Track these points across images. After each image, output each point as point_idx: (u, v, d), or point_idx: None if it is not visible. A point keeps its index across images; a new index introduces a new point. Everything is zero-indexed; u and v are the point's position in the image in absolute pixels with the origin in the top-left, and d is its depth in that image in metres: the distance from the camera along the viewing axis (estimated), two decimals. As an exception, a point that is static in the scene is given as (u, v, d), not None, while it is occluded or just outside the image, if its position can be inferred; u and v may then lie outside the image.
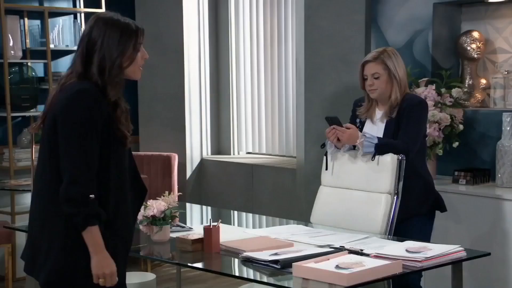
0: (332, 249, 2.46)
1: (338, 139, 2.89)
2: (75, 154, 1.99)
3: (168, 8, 5.17)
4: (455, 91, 3.84)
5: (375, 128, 3.01)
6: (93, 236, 2.00)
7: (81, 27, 5.22)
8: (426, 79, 3.96)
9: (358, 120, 3.08)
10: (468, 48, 3.92)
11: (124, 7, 5.41)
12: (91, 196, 1.98)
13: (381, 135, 2.95)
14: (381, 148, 2.88)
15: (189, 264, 2.50)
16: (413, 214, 2.93)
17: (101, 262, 2.01)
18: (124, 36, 2.08)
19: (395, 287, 2.74)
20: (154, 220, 2.63)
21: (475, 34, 3.91)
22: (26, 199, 4.68)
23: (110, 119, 2.06)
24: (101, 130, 2.03)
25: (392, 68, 2.96)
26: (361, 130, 3.02)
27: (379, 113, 3.02)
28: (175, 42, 5.11)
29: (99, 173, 2.03)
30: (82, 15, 5.26)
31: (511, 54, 3.89)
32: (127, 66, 2.09)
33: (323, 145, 3.06)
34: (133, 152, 5.30)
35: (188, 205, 3.58)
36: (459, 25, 4.08)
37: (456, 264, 2.41)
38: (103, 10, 5.14)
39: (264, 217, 3.39)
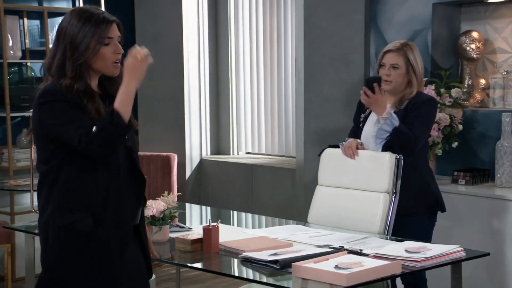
0: (332, 249, 2.45)
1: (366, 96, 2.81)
2: (64, 128, 1.95)
3: (167, 9, 5.16)
4: (454, 91, 3.84)
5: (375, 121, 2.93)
6: (124, 104, 1.93)
7: (80, 27, 5.22)
8: (425, 79, 3.94)
9: (363, 116, 3.02)
10: (468, 48, 3.91)
11: (123, 7, 5.41)
12: (93, 129, 1.91)
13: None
14: (397, 133, 2.80)
15: (188, 264, 2.49)
16: (413, 212, 2.90)
17: (136, 76, 1.96)
18: (86, 25, 2.00)
19: (405, 285, 2.74)
20: (153, 220, 2.62)
21: (475, 34, 3.91)
22: (25, 199, 4.68)
23: (82, 108, 2.00)
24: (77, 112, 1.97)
25: (413, 62, 2.90)
26: (363, 125, 2.98)
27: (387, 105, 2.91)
28: (175, 42, 5.10)
29: (84, 169, 1.99)
30: (82, 15, 5.26)
31: (510, 54, 3.89)
32: (90, 58, 2.01)
33: (335, 146, 3.02)
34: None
35: (187, 205, 3.58)
36: (458, 25, 4.07)
37: (456, 264, 2.41)
38: (102, 9, 5.14)
39: (263, 217, 3.38)
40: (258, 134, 5.22)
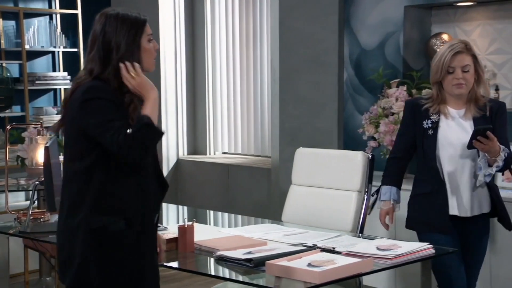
0: (305, 248, 2.47)
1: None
2: (103, 128, 1.93)
3: (144, 9, 5.13)
4: (425, 92, 3.88)
5: (460, 124, 2.66)
6: (152, 113, 1.97)
7: (56, 28, 5.17)
8: (397, 80, 4.00)
9: (428, 121, 2.67)
10: (438, 50, 3.96)
11: (100, 7, 5.37)
12: (128, 131, 1.91)
13: (469, 134, 2.59)
14: (507, 161, 2.60)
15: (163, 264, 2.49)
16: (477, 213, 2.69)
17: (153, 92, 2.01)
18: (134, 29, 2.04)
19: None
20: (129, 220, 2.61)
21: (445, 36, 3.96)
22: (0, 200, 4.62)
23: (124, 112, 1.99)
24: (120, 112, 1.96)
25: (479, 60, 2.66)
26: (435, 132, 2.66)
27: (455, 111, 2.68)
28: (151, 43, 5.09)
29: (120, 172, 1.99)
30: (58, 16, 5.21)
31: (479, 56, 3.94)
32: (144, 58, 2.04)
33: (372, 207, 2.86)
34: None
35: (164, 204, 3.56)
36: (429, 28, 4.13)
37: (425, 261, 2.44)
38: (79, 11, 5.10)
39: (239, 217, 3.39)
40: (235, 134, 5.23)
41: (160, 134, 1.99)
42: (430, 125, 2.66)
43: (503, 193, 2.83)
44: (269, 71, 4.77)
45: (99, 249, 1.98)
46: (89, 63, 2.04)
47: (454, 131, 2.65)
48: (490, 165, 2.59)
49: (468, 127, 2.64)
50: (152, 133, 1.97)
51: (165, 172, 5.15)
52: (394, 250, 2.37)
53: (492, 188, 2.70)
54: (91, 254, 1.98)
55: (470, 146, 2.54)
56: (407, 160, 2.80)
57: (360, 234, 2.82)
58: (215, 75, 5.28)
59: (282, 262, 2.19)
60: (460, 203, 2.66)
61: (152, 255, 2.11)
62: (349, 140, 4.31)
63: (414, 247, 2.41)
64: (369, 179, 2.92)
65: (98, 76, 2.01)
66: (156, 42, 2.12)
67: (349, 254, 2.34)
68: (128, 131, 1.92)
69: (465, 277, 2.70)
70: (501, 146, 2.56)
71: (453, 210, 2.67)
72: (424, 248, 2.42)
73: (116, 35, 2.02)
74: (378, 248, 2.39)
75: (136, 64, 2.01)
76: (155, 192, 2.10)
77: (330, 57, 4.34)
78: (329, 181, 2.99)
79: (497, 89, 3.88)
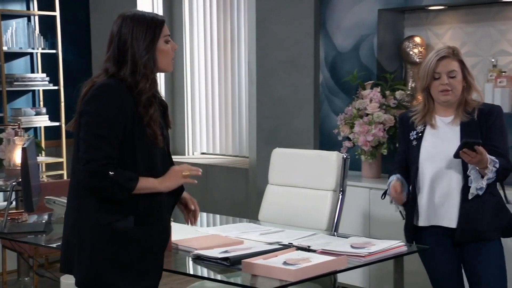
0: (281, 246, 2.50)
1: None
2: (89, 142, 1.94)
3: (122, 10, 5.12)
4: (398, 94, 3.95)
5: (445, 134, 2.53)
6: (143, 189, 1.98)
7: (34, 29, 5.14)
8: (371, 82, 4.06)
9: (414, 133, 2.58)
10: (411, 52, 4.03)
11: (78, 9, 5.35)
12: (110, 173, 1.92)
13: (457, 140, 2.47)
14: (500, 173, 2.44)
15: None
16: (482, 239, 2.52)
17: (170, 184, 2.04)
18: (151, 30, 2.03)
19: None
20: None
21: (417, 39, 4.03)
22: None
23: (136, 117, 1.98)
24: (123, 126, 1.96)
25: (467, 66, 2.52)
26: (418, 143, 2.55)
27: (442, 119, 2.55)
28: (130, 44, 5.07)
29: (126, 169, 1.98)
30: (36, 17, 5.17)
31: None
32: (160, 59, 2.04)
33: (384, 195, 2.70)
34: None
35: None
36: (402, 31, 4.19)
37: (398, 259, 2.48)
38: (57, 13, 5.07)
39: (218, 216, 3.41)
40: (213, 135, 5.24)
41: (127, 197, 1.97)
42: (415, 136, 2.57)
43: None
44: (246, 73, 4.79)
45: (107, 245, 1.98)
46: (105, 63, 2.04)
47: (437, 142, 2.53)
48: (482, 176, 2.45)
49: (453, 136, 2.50)
50: (121, 194, 1.96)
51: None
52: (368, 248, 2.41)
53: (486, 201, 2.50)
54: (100, 250, 1.98)
55: (456, 155, 2.42)
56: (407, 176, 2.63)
57: (335, 233, 2.86)
58: (193, 77, 5.29)
59: (258, 260, 2.21)
60: (444, 214, 2.53)
61: (160, 254, 2.10)
62: (325, 140, 4.36)
63: (387, 245, 2.45)
64: (343, 178, 2.95)
65: (114, 75, 2.01)
66: (174, 43, 2.11)
67: (324, 252, 2.37)
68: (110, 173, 1.92)
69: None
70: (490, 157, 2.41)
71: (428, 221, 2.57)
72: (397, 246, 2.46)
73: (131, 36, 2.01)
74: (352, 246, 2.43)
75: (191, 171, 2.08)
76: (168, 194, 2.10)
77: (306, 59, 4.39)
78: (304, 180, 3.02)
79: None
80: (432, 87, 2.51)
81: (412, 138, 2.58)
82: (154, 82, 2.05)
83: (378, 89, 3.94)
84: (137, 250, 2.02)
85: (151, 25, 2.04)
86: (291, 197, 3.04)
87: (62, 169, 5.14)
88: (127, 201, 1.99)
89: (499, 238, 2.56)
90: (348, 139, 3.99)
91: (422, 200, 2.58)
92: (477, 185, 2.46)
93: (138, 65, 2.00)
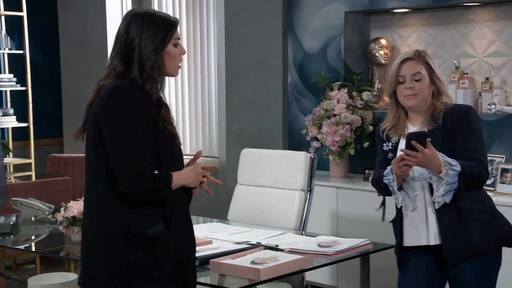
0: (249, 246, 2.49)
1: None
2: (125, 145, 1.83)
3: (91, 12, 5.06)
4: (365, 95, 3.97)
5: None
6: (174, 185, 1.90)
7: (1, 30, 5.03)
8: (339, 82, 4.08)
9: (389, 144, 2.37)
10: (377, 54, 4.06)
11: (46, 9, 5.26)
12: (155, 172, 1.84)
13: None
14: (466, 178, 2.20)
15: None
16: (477, 253, 2.26)
17: (189, 178, 1.96)
18: (161, 30, 1.92)
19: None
20: (74, 221, 2.58)
21: (383, 41, 4.06)
22: None
23: (153, 118, 1.89)
24: (146, 126, 1.86)
25: (434, 69, 2.31)
26: (394, 155, 2.33)
27: (412, 128, 2.34)
28: (100, 45, 5.01)
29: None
30: (3, 18, 5.07)
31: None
32: (166, 62, 1.94)
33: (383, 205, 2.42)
34: (58, 154, 5.16)
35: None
36: (368, 33, 4.22)
37: (364, 257, 2.50)
38: (24, 13, 4.97)
39: (186, 216, 3.38)
40: (183, 135, 5.20)
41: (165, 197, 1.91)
42: (390, 148, 2.37)
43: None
44: (216, 74, 4.77)
45: (144, 254, 1.87)
46: (112, 62, 1.94)
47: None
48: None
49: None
50: (163, 192, 1.89)
51: (113, 174, 5.09)
52: (335, 246, 2.41)
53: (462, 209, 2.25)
54: (138, 261, 1.86)
55: (404, 151, 2.20)
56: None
57: (303, 232, 2.86)
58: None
59: (226, 260, 2.20)
60: (426, 232, 2.30)
61: (193, 256, 2.02)
62: (294, 140, 4.36)
63: (353, 243, 2.46)
64: (311, 178, 2.95)
65: (122, 74, 1.91)
66: (183, 47, 2.00)
67: (291, 251, 2.37)
68: (155, 172, 1.85)
69: None
70: (446, 160, 2.18)
71: (412, 240, 2.33)
72: (363, 244, 2.48)
73: (140, 35, 1.91)
74: (319, 245, 2.43)
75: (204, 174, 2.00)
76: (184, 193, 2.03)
77: (275, 61, 4.39)
78: (273, 180, 3.02)
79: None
80: (398, 92, 2.32)
81: (386, 150, 2.37)
82: (161, 84, 1.97)
83: (345, 90, 3.96)
84: (172, 254, 1.92)
85: (161, 26, 1.93)
86: (260, 197, 3.03)
87: (30, 170, 5.04)
88: (156, 204, 1.90)
89: (498, 249, 2.28)
90: (316, 139, 4.00)
91: (405, 217, 2.34)
92: (438, 192, 2.21)
93: (144, 66, 1.91)
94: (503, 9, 3.68)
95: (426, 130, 2.27)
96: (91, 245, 1.92)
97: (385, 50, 4.04)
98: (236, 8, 4.37)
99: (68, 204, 2.63)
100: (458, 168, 2.20)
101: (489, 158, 3.45)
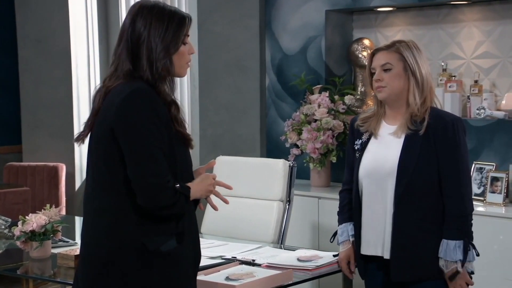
0: (224, 260, 2.47)
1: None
2: (143, 163, 1.79)
3: (52, 9, 5.00)
4: (347, 98, 3.98)
5: (387, 146, 2.27)
6: (191, 199, 1.89)
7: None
8: (320, 86, 4.09)
9: (358, 142, 2.34)
10: (360, 55, 4.08)
11: (1, 6, 5.18)
12: (177, 185, 1.83)
13: (397, 154, 2.23)
14: (466, 241, 2.20)
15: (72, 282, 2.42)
16: (428, 277, 2.23)
17: (202, 192, 1.95)
18: (172, 25, 1.86)
19: None
20: (33, 236, 2.53)
21: (366, 42, 4.08)
22: None
23: (170, 123, 1.86)
24: (164, 133, 1.83)
25: (410, 61, 2.24)
26: (360, 154, 2.32)
27: (388, 127, 2.30)
28: (61, 45, 4.95)
29: None
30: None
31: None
32: (175, 62, 1.88)
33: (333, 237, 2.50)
34: (15, 163, 5.08)
35: (77, 218, 3.47)
36: (350, 33, 4.24)
37: (347, 271, 2.49)
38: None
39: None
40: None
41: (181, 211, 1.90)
42: (359, 147, 2.34)
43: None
44: (188, 77, 4.76)
45: (159, 274, 1.84)
46: (116, 60, 1.89)
47: (379, 155, 2.27)
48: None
49: (394, 149, 2.24)
50: (183, 207, 1.88)
51: (78, 183, 5.02)
52: (315, 261, 2.42)
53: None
54: (154, 284, 1.84)
55: None
56: None
57: (282, 245, 2.85)
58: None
59: (199, 276, 2.17)
60: (373, 241, 2.29)
61: (196, 270, 2.01)
62: (272, 147, 4.36)
63: (334, 257, 2.46)
64: (290, 187, 2.95)
65: (131, 73, 1.86)
66: (192, 46, 1.95)
67: (269, 266, 2.37)
68: (177, 185, 1.84)
69: None
70: (447, 259, 2.18)
71: (366, 250, 2.31)
72: (345, 257, 2.47)
73: (148, 30, 1.85)
74: (299, 259, 2.43)
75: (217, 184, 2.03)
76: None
77: (251, 62, 4.38)
78: (249, 190, 3.01)
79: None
80: (373, 86, 2.31)
81: (356, 148, 2.35)
82: (172, 83, 1.93)
83: (327, 93, 3.97)
84: (184, 270, 1.91)
85: (172, 22, 1.87)
86: (235, 207, 3.01)
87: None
88: (172, 219, 1.88)
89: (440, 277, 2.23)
90: (296, 146, 4.00)
91: (362, 224, 2.33)
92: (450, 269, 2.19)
93: (153, 65, 1.86)
94: (492, 8, 3.73)
95: (404, 135, 2.25)
96: (98, 260, 1.86)
97: (369, 51, 4.06)
98: (210, 6, 4.36)
99: (27, 217, 2.58)
100: (461, 256, 2.19)
101: (478, 166, 3.50)
